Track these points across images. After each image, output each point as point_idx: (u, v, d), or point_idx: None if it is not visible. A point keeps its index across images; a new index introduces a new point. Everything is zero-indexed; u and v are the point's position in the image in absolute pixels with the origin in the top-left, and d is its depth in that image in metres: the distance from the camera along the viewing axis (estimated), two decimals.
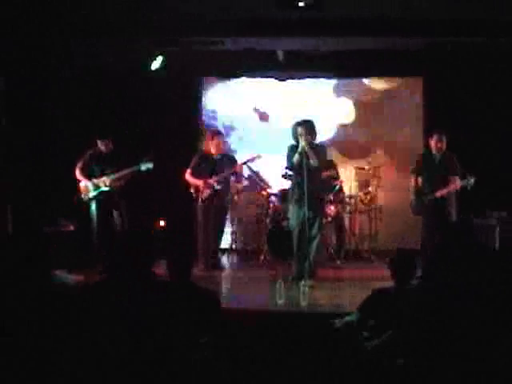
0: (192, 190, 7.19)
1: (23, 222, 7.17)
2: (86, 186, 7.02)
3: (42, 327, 2.55)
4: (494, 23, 7.03)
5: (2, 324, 2.53)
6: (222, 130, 8.13)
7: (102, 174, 7.01)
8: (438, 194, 6.66)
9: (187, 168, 7.20)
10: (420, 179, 6.95)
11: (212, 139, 7.25)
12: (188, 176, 7.20)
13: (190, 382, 2.84)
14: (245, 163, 7.43)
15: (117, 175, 7.01)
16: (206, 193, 7.10)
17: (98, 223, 7.00)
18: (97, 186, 7.02)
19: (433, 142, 6.77)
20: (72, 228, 7.28)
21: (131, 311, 2.73)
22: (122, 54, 7.71)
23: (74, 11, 6.77)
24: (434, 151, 6.78)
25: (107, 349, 2.64)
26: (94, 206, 7.05)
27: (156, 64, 8.03)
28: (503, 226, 6.91)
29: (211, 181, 7.09)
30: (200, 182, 7.11)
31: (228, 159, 7.32)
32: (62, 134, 7.88)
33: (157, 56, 7.97)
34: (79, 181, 7.06)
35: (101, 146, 7.06)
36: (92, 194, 7.01)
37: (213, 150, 7.22)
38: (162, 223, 8.34)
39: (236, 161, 7.34)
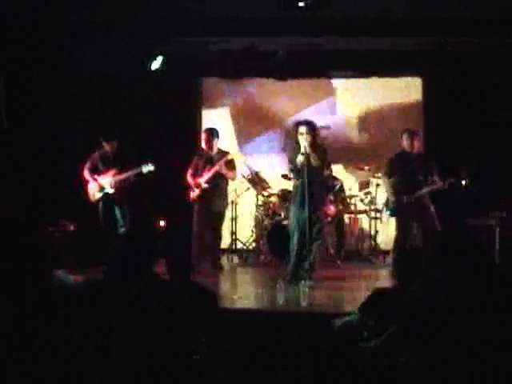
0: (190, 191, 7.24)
1: (23, 221, 7.17)
2: (92, 188, 7.08)
3: (42, 328, 2.55)
4: (494, 23, 7.03)
5: (1, 324, 2.53)
6: (220, 130, 8.09)
7: (107, 175, 7.06)
8: (424, 191, 6.70)
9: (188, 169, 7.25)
10: (392, 180, 6.96)
11: (205, 138, 7.26)
12: (188, 177, 7.24)
13: (190, 382, 2.84)
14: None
15: (120, 177, 7.05)
16: (195, 193, 7.12)
17: (103, 224, 7.05)
18: (101, 187, 7.07)
19: (406, 142, 6.85)
20: (72, 228, 7.29)
21: (132, 311, 2.73)
22: (122, 53, 7.71)
23: (75, 11, 6.77)
24: (408, 150, 6.84)
25: (107, 349, 2.64)
26: (99, 207, 7.10)
27: (156, 64, 8.03)
28: (503, 226, 6.89)
29: (199, 180, 7.11)
30: (192, 182, 7.16)
31: (222, 157, 7.23)
32: (62, 133, 7.88)
33: (157, 56, 7.97)
34: (87, 182, 7.10)
35: (106, 146, 7.11)
36: (98, 195, 7.08)
37: (206, 149, 7.25)
38: (162, 223, 8.34)
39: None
